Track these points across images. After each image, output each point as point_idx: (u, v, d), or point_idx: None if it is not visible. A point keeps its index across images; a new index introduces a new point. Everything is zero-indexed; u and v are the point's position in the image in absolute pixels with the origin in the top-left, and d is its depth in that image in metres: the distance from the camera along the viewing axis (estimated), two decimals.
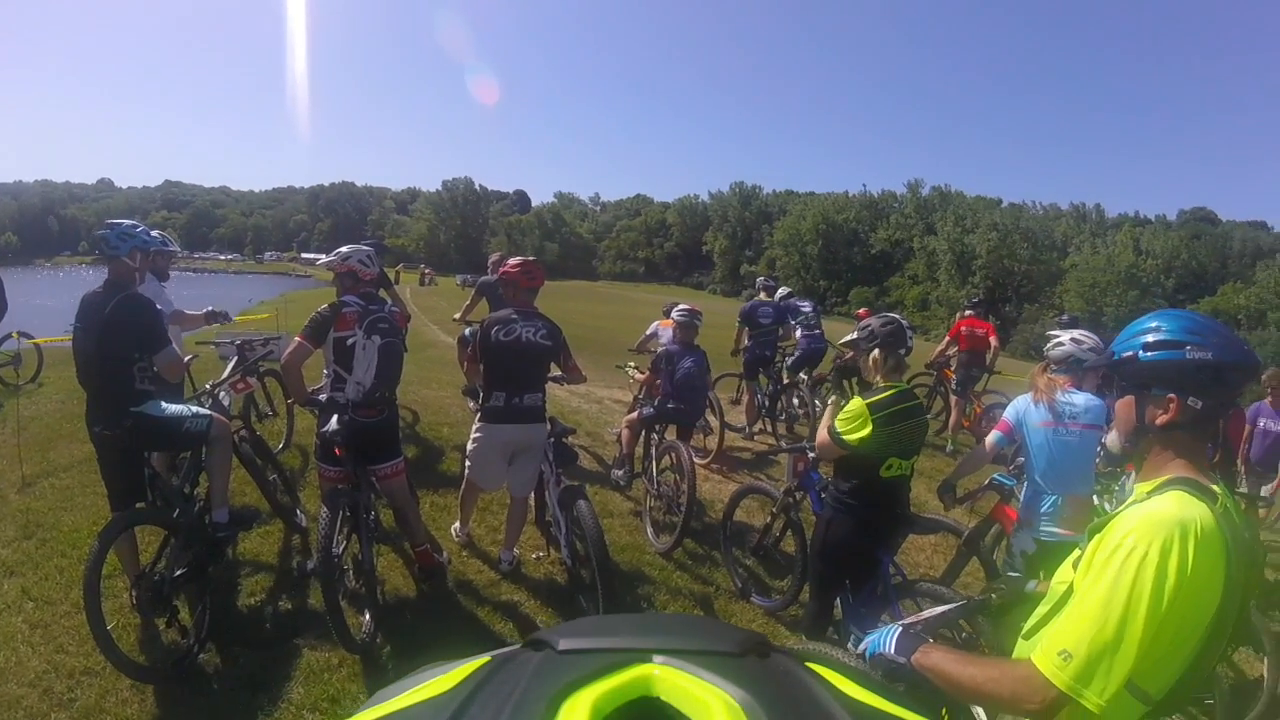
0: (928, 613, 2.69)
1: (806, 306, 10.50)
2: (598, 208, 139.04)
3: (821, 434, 4.21)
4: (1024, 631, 1.87)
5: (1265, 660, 4.65)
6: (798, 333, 10.04)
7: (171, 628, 4.09)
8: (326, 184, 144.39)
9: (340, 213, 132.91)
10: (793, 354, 10.04)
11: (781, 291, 10.83)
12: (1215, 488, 1.70)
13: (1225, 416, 1.78)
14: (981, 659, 1.85)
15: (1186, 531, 1.56)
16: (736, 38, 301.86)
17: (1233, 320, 58.41)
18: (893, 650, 1.93)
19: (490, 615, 4.87)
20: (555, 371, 5.42)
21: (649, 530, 6.31)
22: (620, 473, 7.05)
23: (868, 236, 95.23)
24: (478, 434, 5.18)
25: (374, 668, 4.18)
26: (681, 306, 7.33)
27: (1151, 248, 73.11)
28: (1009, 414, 4.51)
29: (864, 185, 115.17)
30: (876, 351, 4.09)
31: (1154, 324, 1.77)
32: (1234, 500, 1.73)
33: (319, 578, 4.20)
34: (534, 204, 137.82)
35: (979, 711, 3.18)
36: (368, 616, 4.42)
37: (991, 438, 4.54)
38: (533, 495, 5.50)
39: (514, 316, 5.12)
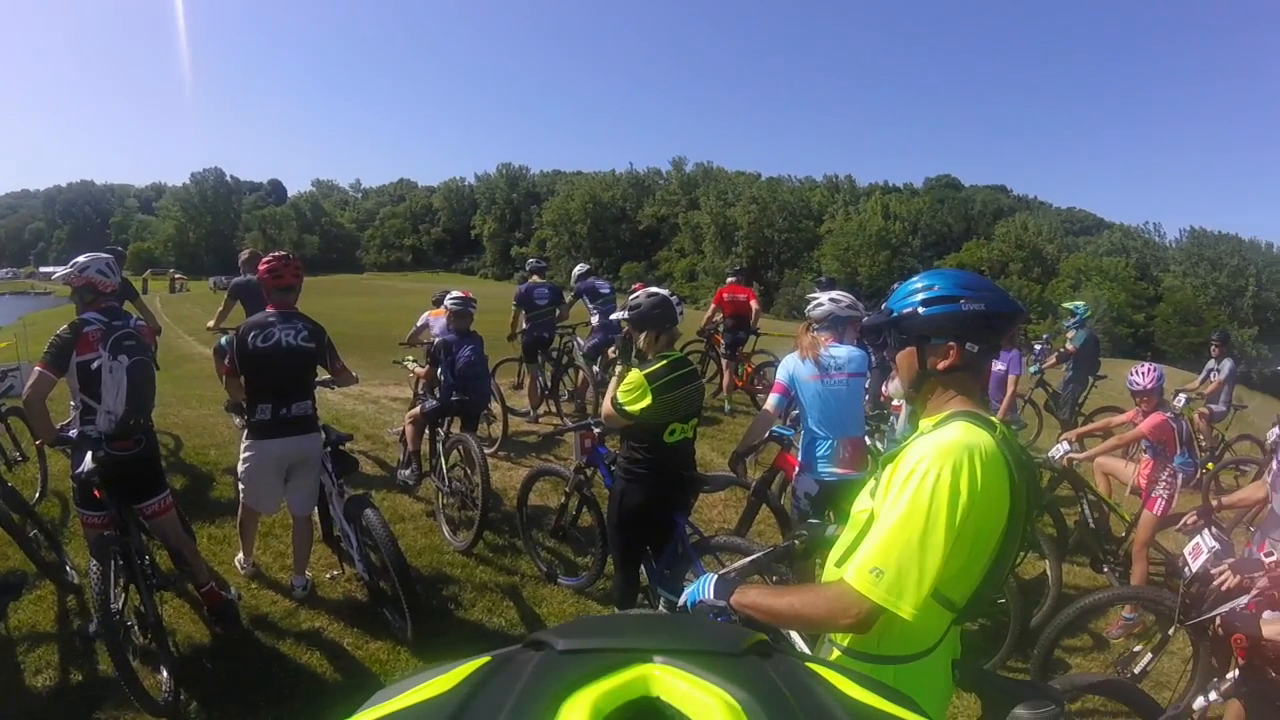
0: (738, 563, 2.84)
1: (605, 288, 10.41)
2: (359, 194, 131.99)
3: (606, 405, 4.32)
4: (835, 560, 1.98)
5: (1046, 562, 5.32)
6: (594, 318, 10.03)
7: None
8: (64, 185, 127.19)
9: (80, 217, 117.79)
10: (590, 339, 10.02)
11: (579, 270, 10.71)
12: (993, 419, 1.89)
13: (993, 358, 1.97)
14: (796, 587, 2.00)
15: (973, 454, 1.73)
16: (494, 16, 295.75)
17: (978, 272, 63.72)
18: (712, 596, 2.04)
19: (294, 648, 4.56)
20: (323, 375, 5.17)
21: (445, 529, 6.17)
22: (407, 473, 6.88)
23: (635, 213, 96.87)
24: (247, 453, 4.81)
25: None
26: (454, 294, 7.19)
27: (899, 212, 79.90)
28: (780, 375, 4.74)
29: (630, 163, 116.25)
30: (648, 333, 4.26)
31: (926, 283, 1.94)
32: (1009, 428, 1.93)
33: (103, 640, 3.79)
34: (290, 194, 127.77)
35: (798, 640, 3.42)
36: (165, 673, 3.97)
37: (771, 401, 4.77)
38: (316, 511, 5.21)
39: (271, 320, 4.77)
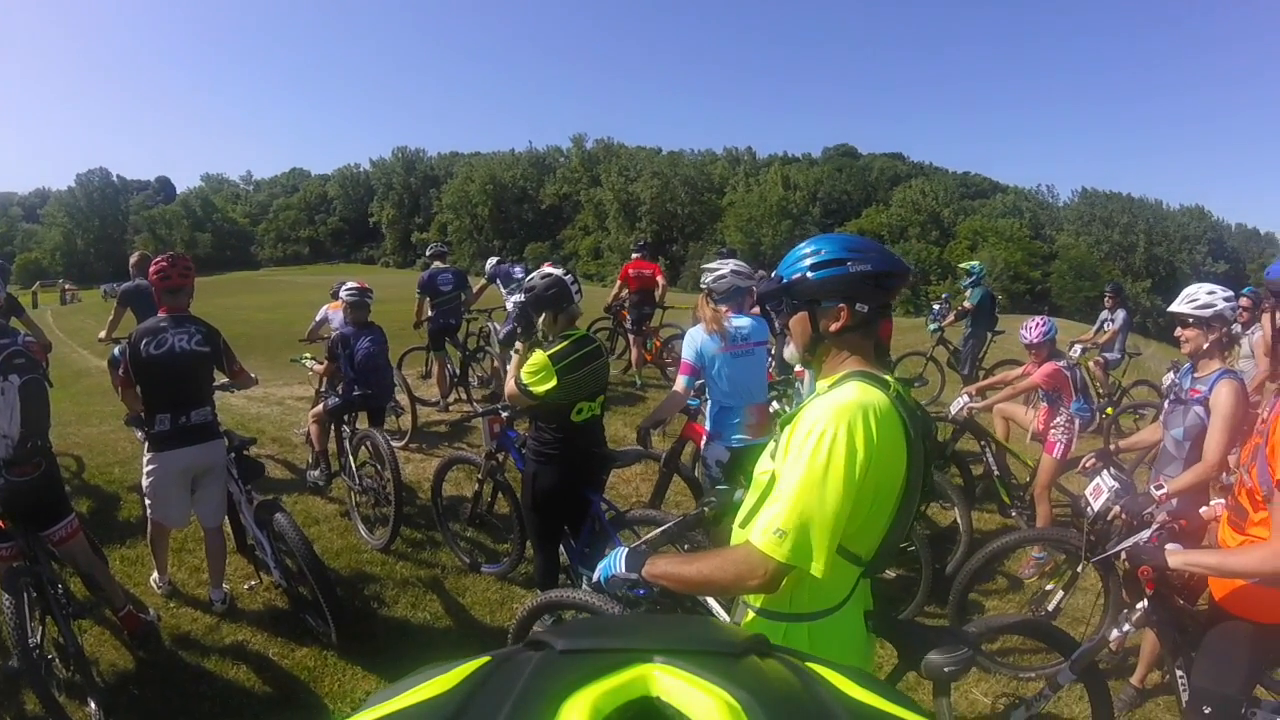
0: (649, 535, 2.83)
1: (519, 272, 10.13)
2: (251, 187, 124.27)
3: (509, 385, 4.27)
4: (739, 522, 2.00)
5: (955, 510, 5.54)
6: (509, 303, 9.80)
7: None
8: None
9: None
10: (506, 324, 9.80)
11: (491, 261, 10.60)
12: (887, 378, 1.93)
13: (883, 318, 2.00)
14: (704, 553, 2.03)
15: (867, 412, 1.76)
16: None
17: (877, 237, 66.08)
18: (624, 569, 2.08)
19: (220, 664, 4.40)
20: (221, 379, 4.98)
21: (361, 528, 6.01)
22: (316, 474, 6.67)
23: (537, 192, 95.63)
24: (150, 466, 4.61)
25: None
26: (349, 285, 6.95)
27: (799, 181, 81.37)
28: (688, 354, 4.74)
29: (530, 142, 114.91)
30: (546, 313, 4.24)
31: (814, 248, 1.96)
32: (903, 385, 1.97)
33: (25, 677, 3.59)
34: (179, 190, 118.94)
35: (715, 606, 3.44)
36: (93, 705, 3.80)
37: (681, 382, 4.76)
38: (228, 521, 5.06)
39: (163, 325, 4.56)
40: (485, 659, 0.65)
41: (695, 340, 4.74)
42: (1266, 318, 2.72)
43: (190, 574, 5.34)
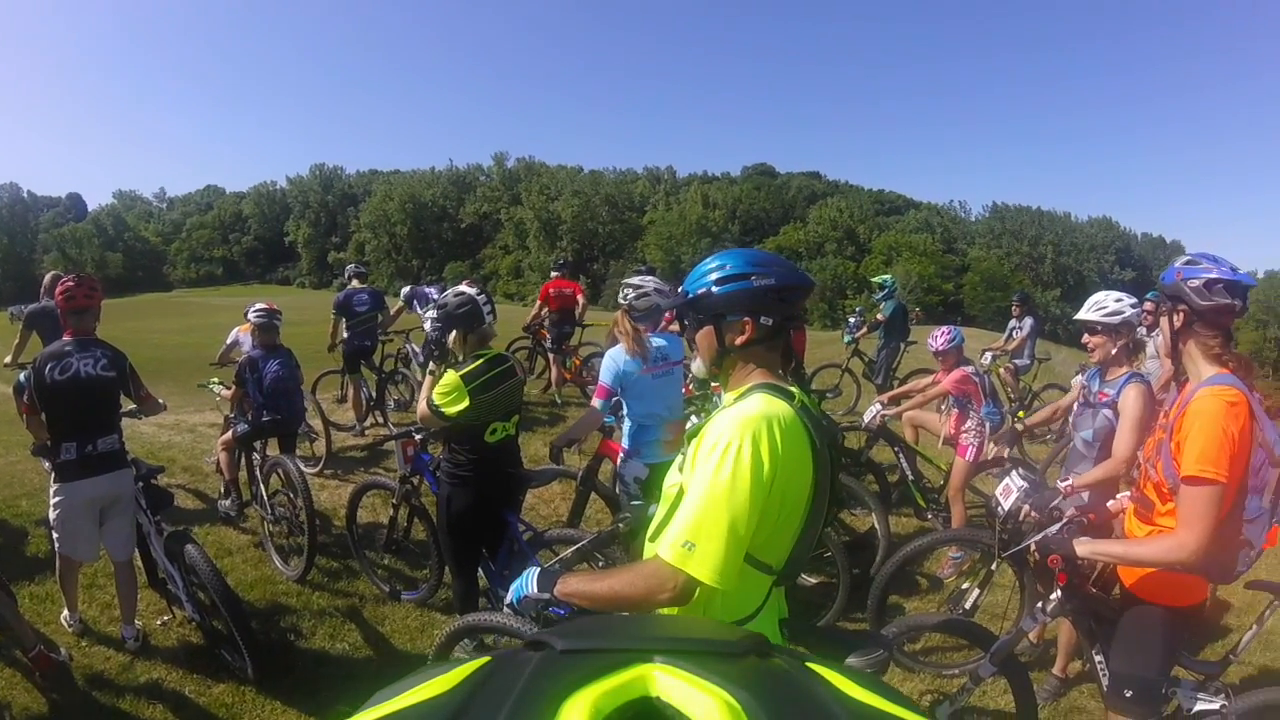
0: (563, 554, 2.81)
1: (434, 293, 9.88)
2: (164, 205, 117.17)
3: (421, 406, 4.21)
4: (650, 536, 2.00)
5: (873, 515, 5.62)
6: (428, 323, 9.75)
7: None
8: None
9: None
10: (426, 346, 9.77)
11: (405, 290, 10.50)
12: (792, 389, 1.94)
13: (792, 330, 2.03)
14: (614, 570, 2.00)
15: (772, 423, 1.78)
16: (295, 11, 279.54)
17: (795, 253, 67.55)
18: (535, 590, 2.08)
19: (135, 704, 4.20)
20: (129, 405, 4.79)
21: (275, 558, 5.82)
22: (228, 503, 6.47)
23: (457, 211, 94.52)
24: (57, 498, 4.41)
25: None
26: (257, 306, 6.73)
27: (719, 200, 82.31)
28: (606, 378, 4.68)
29: (450, 160, 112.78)
30: (457, 332, 4.20)
31: (719, 263, 1.99)
32: (810, 397, 1.99)
33: None
34: (91, 208, 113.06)
35: None
36: None
37: (597, 404, 4.71)
38: (138, 554, 4.83)
39: (69, 349, 4.37)
40: (485, 659, 0.65)
41: (616, 363, 4.68)
42: (1165, 321, 2.79)
43: (101, 610, 5.10)
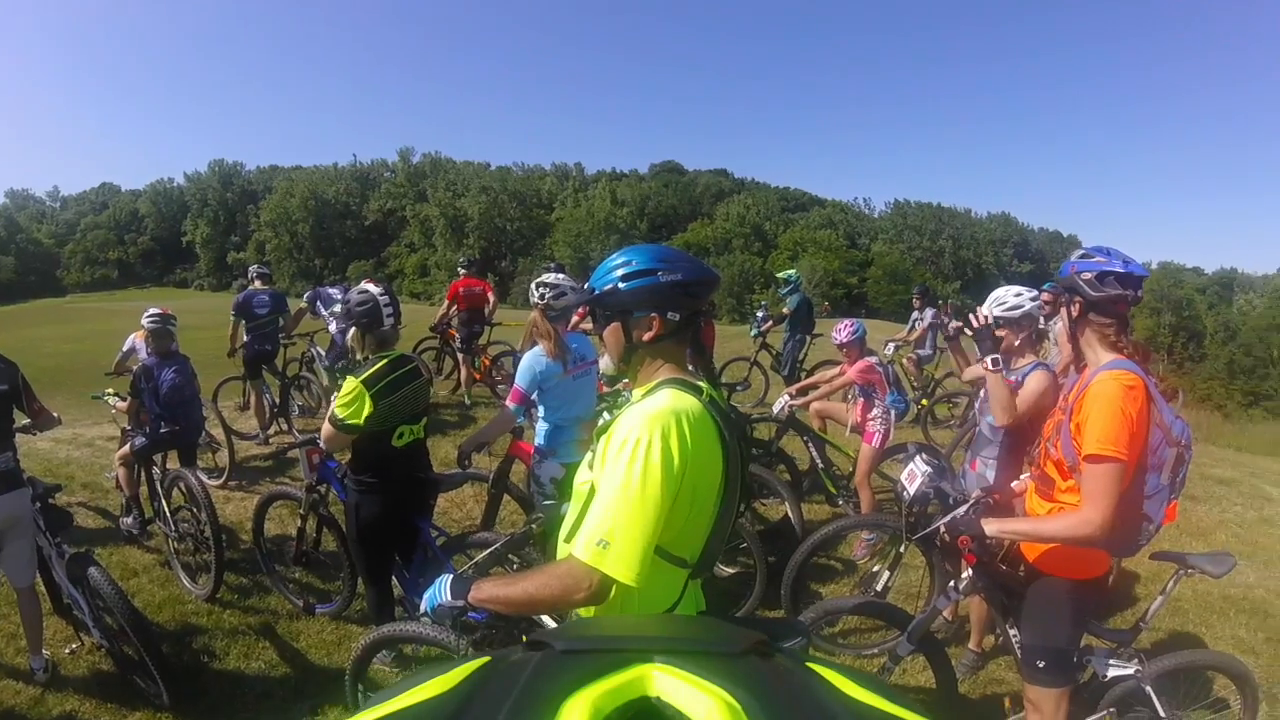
0: (476, 558, 2.77)
1: (338, 293, 9.70)
2: (58, 204, 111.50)
3: (326, 427, 4.04)
4: (564, 536, 1.99)
5: (786, 503, 5.74)
6: (332, 326, 9.47)
7: None
8: None
9: None
10: (331, 349, 9.49)
11: (307, 295, 10.20)
12: (700, 383, 1.96)
13: (700, 325, 2.04)
14: (528, 572, 1.97)
15: (680, 417, 1.79)
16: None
17: (704, 250, 68.42)
18: (449, 597, 2.06)
19: None
20: (23, 420, 4.53)
21: (183, 577, 5.56)
22: (130, 520, 6.17)
23: (360, 208, 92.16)
24: None
25: None
26: (151, 312, 6.40)
27: (627, 197, 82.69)
28: (523, 381, 4.56)
29: (354, 156, 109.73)
30: (355, 331, 4.11)
31: (625, 259, 1.98)
32: (718, 390, 2.01)
33: None
34: None
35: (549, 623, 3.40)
36: None
37: (511, 408, 4.61)
38: (40, 579, 4.54)
39: None
40: (485, 659, 0.65)
41: (535, 367, 4.56)
42: (1064, 310, 2.92)
43: (7, 641, 4.83)
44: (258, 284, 9.25)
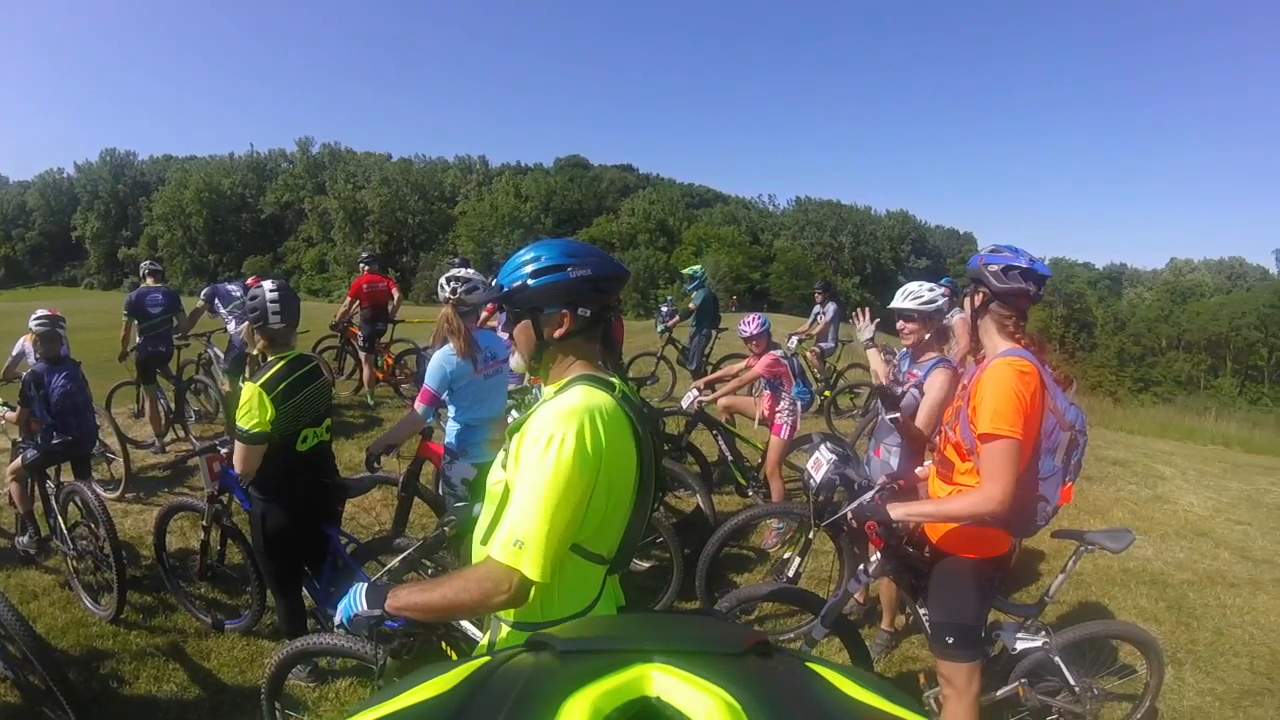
0: (388, 566, 2.73)
1: (238, 291, 9.19)
2: None
3: (236, 447, 3.87)
4: (480, 539, 1.97)
5: (697, 495, 5.81)
6: (230, 325, 8.92)
7: None
8: None
9: None
10: (231, 351, 9.02)
11: (204, 292, 9.56)
12: (612, 379, 1.96)
13: (610, 320, 2.03)
14: (445, 577, 1.94)
15: (594, 414, 1.78)
16: None
17: (608, 244, 68.71)
18: (365, 607, 2.01)
19: None
20: None
21: (85, 598, 5.24)
22: (25, 540, 5.79)
23: (257, 201, 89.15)
24: None
25: None
26: (39, 314, 6.03)
27: (531, 192, 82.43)
28: (433, 381, 4.45)
29: (251, 145, 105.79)
30: (248, 327, 3.97)
31: (533, 255, 1.95)
32: (629, 386, 2.01)
33: None
34: None
35: (469, 628, 3.35)
36: None
37: (420, 410, 4.51)
38: None
39: None
40: (485, 659, 0.65)
41: (445, 366, 4.46)
42: (968, 300, 3.06)
43: None
44: (150, 281, 8.72)
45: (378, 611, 1.99)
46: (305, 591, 4.26)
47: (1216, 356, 61.05)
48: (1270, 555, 6.83)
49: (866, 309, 5.15)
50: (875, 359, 5.17)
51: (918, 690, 3.91)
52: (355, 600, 2.05)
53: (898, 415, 4.04)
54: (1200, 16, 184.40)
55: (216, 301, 9.18)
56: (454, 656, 3.02)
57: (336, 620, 2.11)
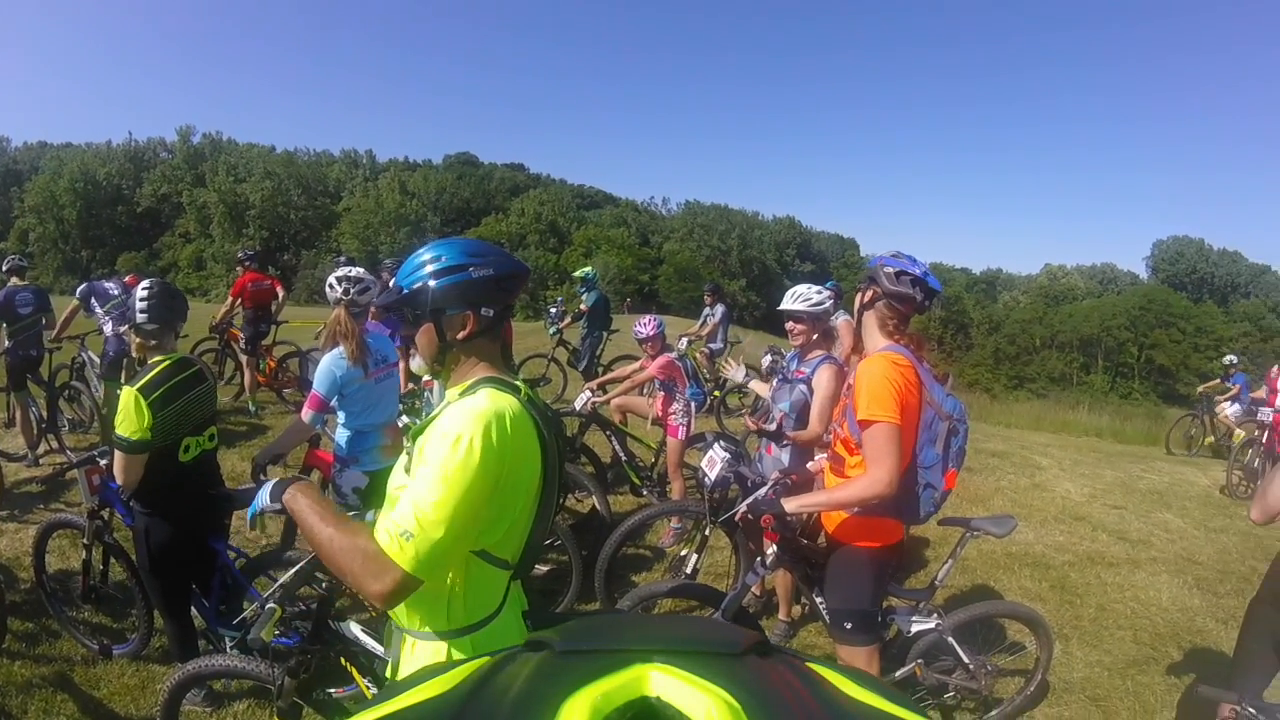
0: (282, 579, 2.65)
1: (115, 289, 8.54)
2: None
3: (116, 457, 3.67)
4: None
5: (593, 496, 5.89)
6: (106, 326, 8.25)
7: None
8: None
9: None
10: (106, 353, 8.27)
11: (79, 290, 8.72)
12: (518, 382, 1.95)
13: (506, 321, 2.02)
14: (347, 523, 1.83)
15: (502, 417, 1.76)
16: None
17: (499, 245, 67.34)
18: (269, 500, 1.99)
19: None
20: None
21: None
22: None
23: (133, 193, 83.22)
24: None
25: None
26: None
27: (418, 189, 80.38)
28: (322, 386, 4.29)
29: (130, 133, 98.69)
30: (128, 328, 3.82)
31: (434, 254, 1.90)
32: (533, 390, 2.02)
33: None
34: None
35: (370, 643, 3.29)
36: None
37: (309, 416, 4.32)
38: None
39: None
40: (484, 659, 0.65)
41: (336, 371, 4.29)
42: (858, 295, 3.22)
43: None
44: (16, 279, 8.20)
45: (277, 505, 1.96)
46: (194, 611, 4.08)
47: (1088, 355, 64.42)
48: (1145, 536, 7.34)
49: (730, 360, 5.61)
50: (759, 388, 5.50)
51: None
52: (263, 496, 2.01)
53: (787, 441, 4.37)
54: (1065, 17, 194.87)
55: (93, 301, 8.47)
56: (354, 672, 2.98)
57: (248, 523, 2.08)
